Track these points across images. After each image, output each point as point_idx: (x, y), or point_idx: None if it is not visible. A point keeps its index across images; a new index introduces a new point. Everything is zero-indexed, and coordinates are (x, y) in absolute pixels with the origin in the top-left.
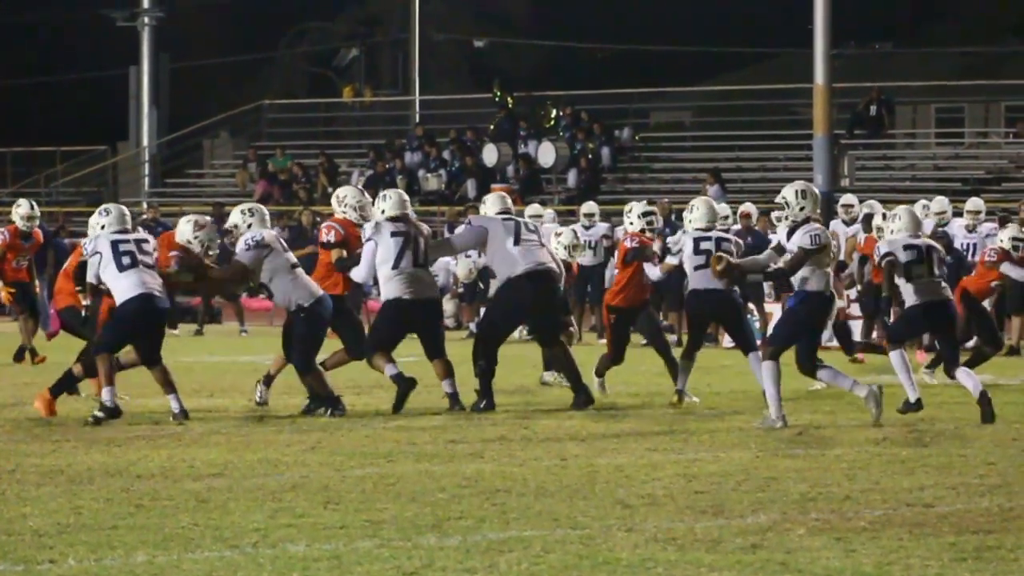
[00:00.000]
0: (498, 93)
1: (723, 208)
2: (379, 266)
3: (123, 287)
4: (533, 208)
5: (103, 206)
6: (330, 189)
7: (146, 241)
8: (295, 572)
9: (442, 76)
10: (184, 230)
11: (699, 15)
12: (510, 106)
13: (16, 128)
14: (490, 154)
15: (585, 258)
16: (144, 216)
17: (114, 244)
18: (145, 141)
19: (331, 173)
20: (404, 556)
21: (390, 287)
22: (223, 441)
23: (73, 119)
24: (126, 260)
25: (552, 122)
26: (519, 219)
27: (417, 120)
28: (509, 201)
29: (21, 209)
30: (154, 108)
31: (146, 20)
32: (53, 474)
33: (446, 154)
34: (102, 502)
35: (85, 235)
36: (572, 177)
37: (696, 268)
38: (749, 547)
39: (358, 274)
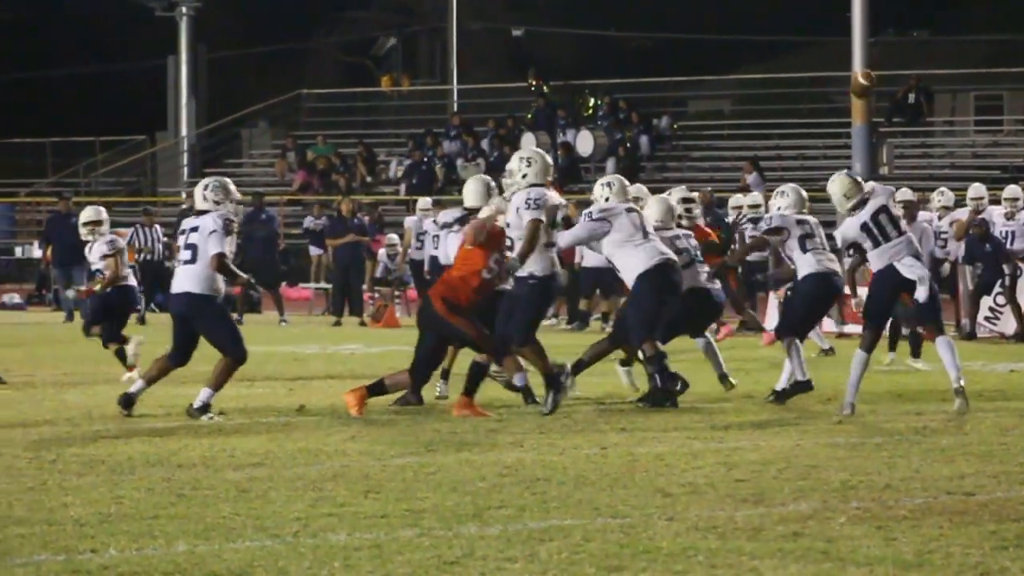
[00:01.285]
0: (533, 82)
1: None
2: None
3: None
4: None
5: None
6: (369, 178)
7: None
8: (336, 561)
9: (480, 65)
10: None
11: (738, 3)
12: (545, 93)
13: (55, 119)
14: (528, 143)
15: None
16: (184, 206)
17: None
18: (184, 131)
19: (370, 162)
20: (445, 545)
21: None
22: (264, 431)
23: (112, 109)
24: None
25: (590, 111)
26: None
27: (455, 109)
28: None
29: None
30: (192, 98)
31: (184, 10)
32: (94, 464)
33: (484, 143)
34: (143, 492)
35: (125, 225)
36: (611, 166)
37: None
38: (790, 535)
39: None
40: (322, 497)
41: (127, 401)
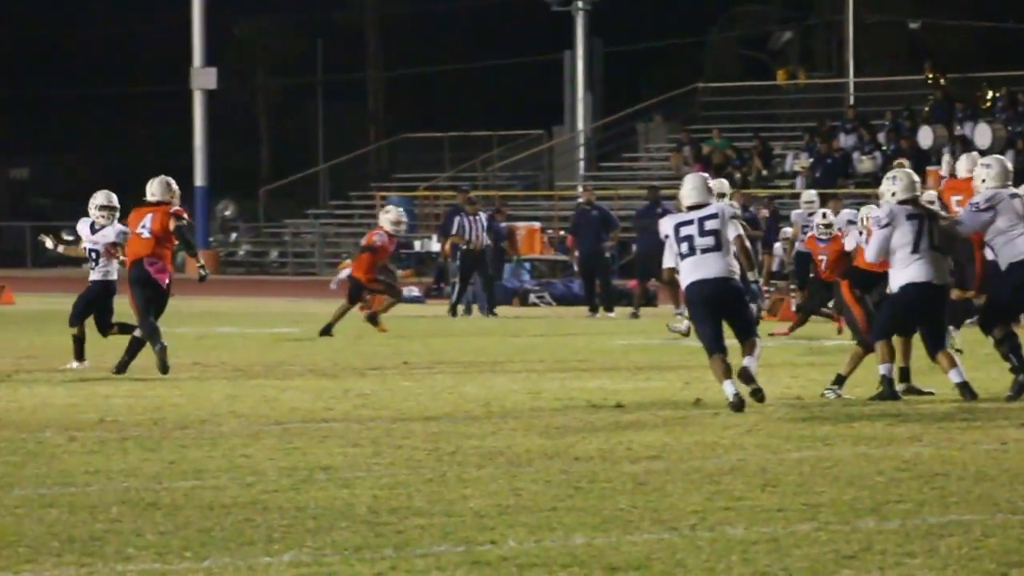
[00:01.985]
0: (930, 75)
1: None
2: (896, 250)
3: None
4: None
5: None
6: (764, 172)
7: None
8: (734, 555)
9: (876, 57)
10: None
11: None
12: (943, 86)
13: (453, 113)
14: (925, 136)
15: None
16: (579, 200)
17: None
18: (580, 125)
19: (765, 156)
20: (842, 539)
21: (909, 271)
22: (660, 424)
23: (509, 104)
24: None
25: (988, 104)
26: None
27: (851, 102)
28: None
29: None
30: (588, 92)
31: (580, 4)
32: (493, 456)
33: (881, 136)
34: (541, 484)
35: (522, 219)
36: (1009, 159)
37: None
38: None
39: (868, 255)
40: (719, 490)
41: (739, 404)
